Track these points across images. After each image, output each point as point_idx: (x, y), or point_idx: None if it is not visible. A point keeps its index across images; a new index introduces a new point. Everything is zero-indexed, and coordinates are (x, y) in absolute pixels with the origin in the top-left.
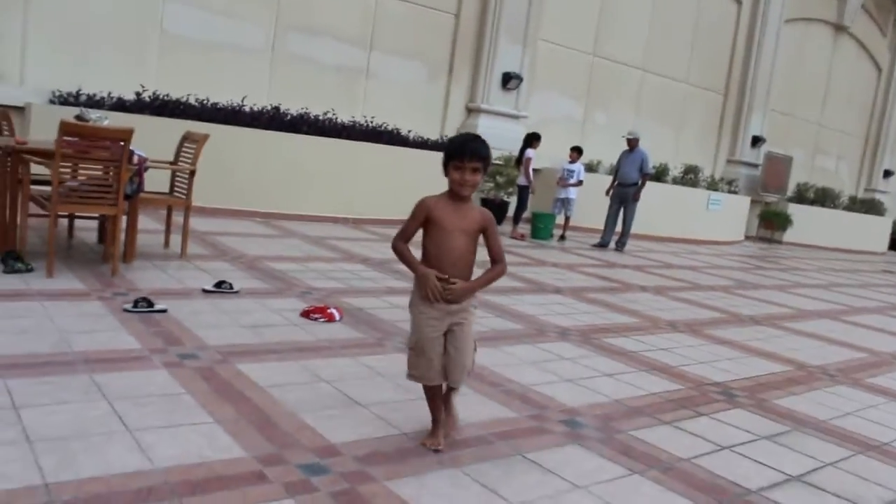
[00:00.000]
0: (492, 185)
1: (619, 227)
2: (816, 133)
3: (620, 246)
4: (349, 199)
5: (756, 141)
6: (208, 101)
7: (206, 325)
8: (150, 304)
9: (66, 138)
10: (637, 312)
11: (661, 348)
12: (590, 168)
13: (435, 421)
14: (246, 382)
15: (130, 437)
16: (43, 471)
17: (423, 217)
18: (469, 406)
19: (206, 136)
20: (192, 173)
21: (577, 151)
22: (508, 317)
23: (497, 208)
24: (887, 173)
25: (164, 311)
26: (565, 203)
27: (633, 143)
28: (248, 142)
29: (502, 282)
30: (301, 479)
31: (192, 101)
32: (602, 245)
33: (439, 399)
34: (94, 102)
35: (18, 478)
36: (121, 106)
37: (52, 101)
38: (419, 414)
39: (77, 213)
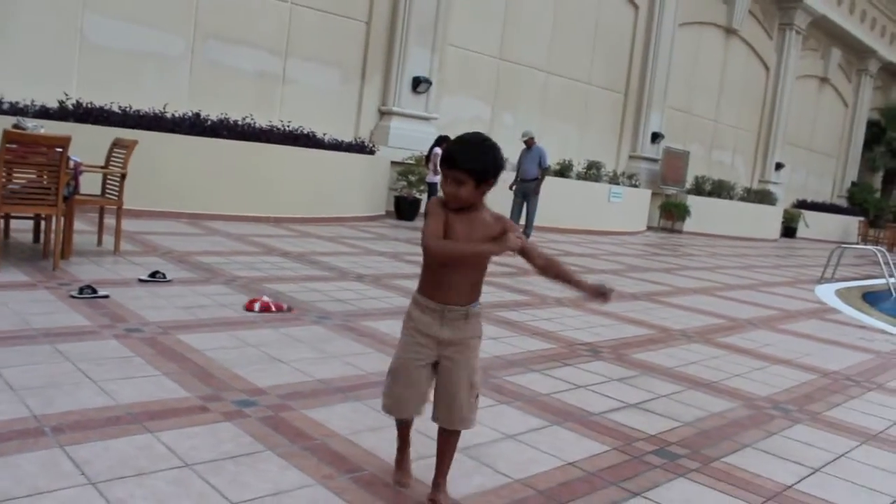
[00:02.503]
0: (404, 183)
1: (522, 220)
2: (713, 129)
3: (525, 237)
4: (269, 199)
5: (655, 137)
6: (131, 108)
7: (145, 307)
8: (94, 291)
9: (7, 146)
10: (529, 292)
11: (544, 318)
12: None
13: (399, 455)
14: (185, 347)
15: (95, 385)
16: (30, 408)
17: (444, 215)
18: (370, 362)
19: (135, 142)
20: (123, 177)
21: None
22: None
23: (410, 205)
24: (778, 165)
25: (106, 296)
26: None
27: (530, 143)
28: (171, 146)
29: (412, 268)
30: (235, 409)
31: (115, 108)
32: None
33: (408, 440)
34: (17, 110)
35: (12, 412)
36: (44, 114)
37: None
38: (332, 366)
39: (13, 214)
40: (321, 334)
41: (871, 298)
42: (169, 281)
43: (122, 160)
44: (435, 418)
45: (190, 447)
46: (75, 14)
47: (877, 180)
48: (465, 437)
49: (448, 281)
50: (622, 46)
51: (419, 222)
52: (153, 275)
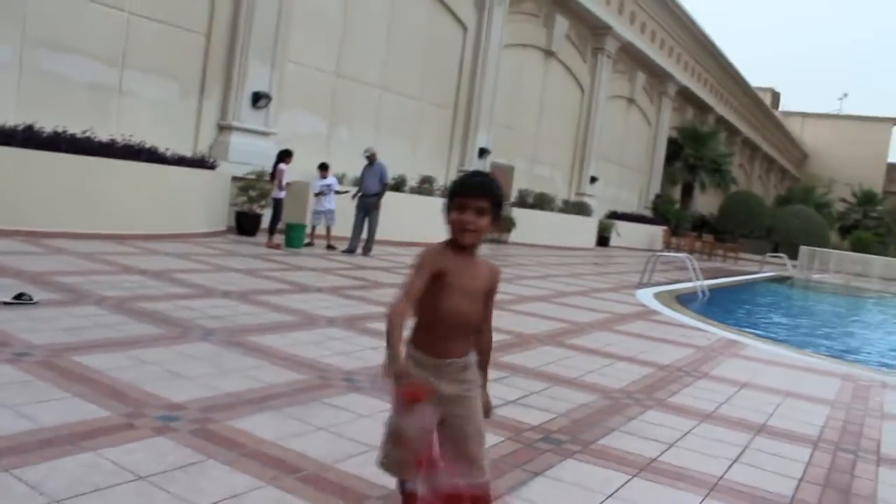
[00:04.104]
0: (245, 198)
1: (364, 234)
2: (534, 144)
3: (366, 251)
4: (112, 216)
5: (482, 152)
6: None
7: (23, 329)
8: None
9: None
10: (388, 304)
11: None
12: (339, 180)
13: None
14: (84, 369)
15: (10, 410)
16: None
17: (433, 271)
18: (269, 374)
19: None
20: None
21: (325, 168)
22: (283, 311)
23: (251, 221)
24: (593, 179)
25: None
26: (327, 215)
27: (372, 158)
28: (4, 160)
29: (272, 284)
30: (162, 424)
31: None
32: (350, 251)
33: (413, 500)
34: None
35: None
36: None
37: None
38: (235, 380)
39: None
40: (211, 351)
41: (684, 300)
42: (36, 303)
43: None
44: (464, 475)
45: (135, 461)
46: None
47: (677, 192)
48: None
49: (449, 334)
50: (452, 65)
51: (261, 237)
52: (18, 297)
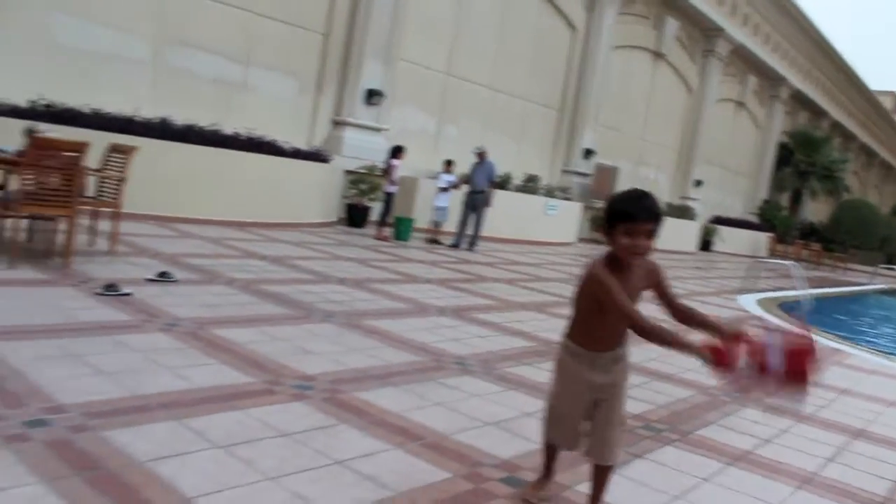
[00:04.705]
0: (356, 191)
1: (469, 230)
2: (639, 146)
3: (471, 246)
4: (233, 204)
5: (587, 153)
6: (102, 109)
7: (169, 304)
8: (118, 290)
9: (22, 149)
10: (494, 297)
11: (517, 321)
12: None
13: (545, 472)
14: (225, 341)
15: (170, 371)
16: (129, 388)
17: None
18: (395, 354)
19: (134, 149)
20: (122, 181)
21: (450, 164)
22: (396, 299)
23: (360, 213)
24: (697, 182)
25: (129, 294)
26: (445, 210)
27: (482, 156)
28: (142, 150)
29: (384, 273)
30: (298, 392)
31: (87, 110)
32: (455, 245)
33: (556, 458)
34: None
35: (118, 392)
36: (17, 113)
37: None
38: (357, 357)
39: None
40: (333, 331)
41: (788, 308)
42: (176, 281)
43: (121, 165)
44: (587, 453)
45: (278, 420)
46: (42, 13)
47: (785, 199)
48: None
49: (601, 330)
50: (559, 65)
51: (370, 229)
52: (161, 275)
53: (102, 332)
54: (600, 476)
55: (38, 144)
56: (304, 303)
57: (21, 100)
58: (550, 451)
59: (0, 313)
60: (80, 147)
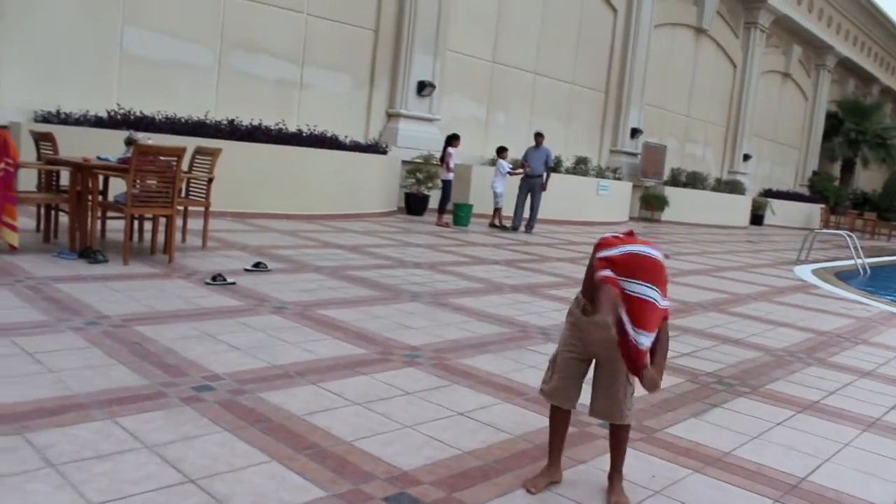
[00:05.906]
0: (413, 180)
1: (526, 213)
2: (686, 123)
3: (529, 228)
4: (301, 197)
5: (634, 132)
6: (176, 115)
7: (271, 290)
8: (224, 279)
9: (125, 156)
10: (560, 274)
11: None
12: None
13: (550, 455)
14: (332, 319)
15: (296, 347)
16: (266, 361)
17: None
18: (484, 327)
19: (218, 150)
20: (210, 180)
21: (505, 150)
22: (470, 279)
23: (419, 201)
24: (746, 157)
25: (233, 283)
26: (499, 196)
27: (539, 140)
28: None
29: (453, 257)
30: (409, 359)
31: (159, 117)
32: (514, 228)
33: (561, 431)
34: (73, 120)
35: (264, 363)
36: (99, 122)
37: (35, 120)
38: (451, 331)
39: (108, 216)
40: (423, 309)
41: (844, 276)
42: (270, 270)
43: (207, 166)
44: (593, 412)
45: (399, 382)
46: (115, 26)
47: (836, 169)
48: None
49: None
50: (602, 47)
51: (429, 216)
52: (256, 265)
53: (224, 315)
54: (615, 436)
55: (142, 151)
56: (390, 285)
57: (101, 110)
58: (552, 421)
59: (135, 302)
60: (178, 152)
